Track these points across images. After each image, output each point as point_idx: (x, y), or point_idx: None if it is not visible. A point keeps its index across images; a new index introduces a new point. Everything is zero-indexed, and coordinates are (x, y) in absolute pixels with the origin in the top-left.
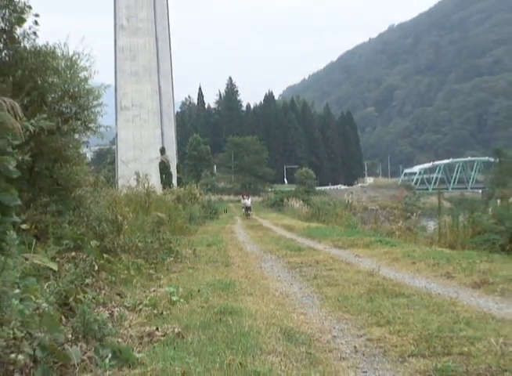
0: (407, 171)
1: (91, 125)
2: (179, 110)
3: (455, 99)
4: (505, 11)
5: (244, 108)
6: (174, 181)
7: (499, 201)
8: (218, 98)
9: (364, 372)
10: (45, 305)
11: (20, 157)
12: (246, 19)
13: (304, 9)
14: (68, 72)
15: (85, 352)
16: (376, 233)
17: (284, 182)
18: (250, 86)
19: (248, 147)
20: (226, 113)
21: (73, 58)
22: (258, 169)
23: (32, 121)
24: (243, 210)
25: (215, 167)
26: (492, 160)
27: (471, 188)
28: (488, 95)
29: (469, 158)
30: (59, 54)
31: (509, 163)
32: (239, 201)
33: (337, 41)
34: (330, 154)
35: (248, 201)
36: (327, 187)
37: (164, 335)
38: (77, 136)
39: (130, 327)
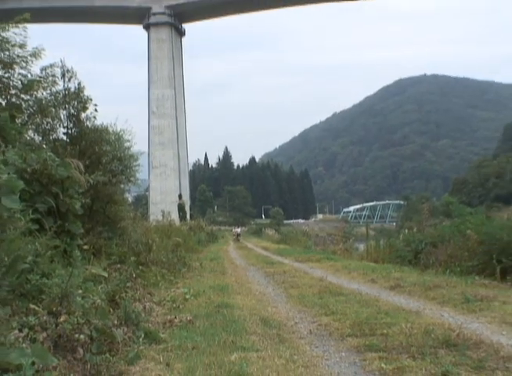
0: (345, 210)
1: (132, 179)
2: (191, 168)
3: (377, 161)
4: (409, 103)
5: (236, 167)
6: (188, 216)
7: (406, 231)
8: (217, 160)
9: (316, 347)
10: (98, 301)
11: (83, 200)
12: (238, 107)
13: (278, 99)
14: (116, 143)
15: (126, 333)
16: (324, 252)
17: (262, 217)
18: (240, 152)
19: (238, 194)
20: (223, 171)
21: (120, 133)
22: (245, 208)
23: (92, 176)
24: (234, 236)
25: (216, 207)
26: (402, 202)
27: (388, 221)
28: (399, 159)
29: (387, 201)
30: (111, 130)
31: (413, 204)
32: (231, 230)
33: (298, 122)
34: (293, 198)
35: (239, 230)
36: (291, 221)
37: (180, 322)
38: (122, 186)
39: (157, 316)
